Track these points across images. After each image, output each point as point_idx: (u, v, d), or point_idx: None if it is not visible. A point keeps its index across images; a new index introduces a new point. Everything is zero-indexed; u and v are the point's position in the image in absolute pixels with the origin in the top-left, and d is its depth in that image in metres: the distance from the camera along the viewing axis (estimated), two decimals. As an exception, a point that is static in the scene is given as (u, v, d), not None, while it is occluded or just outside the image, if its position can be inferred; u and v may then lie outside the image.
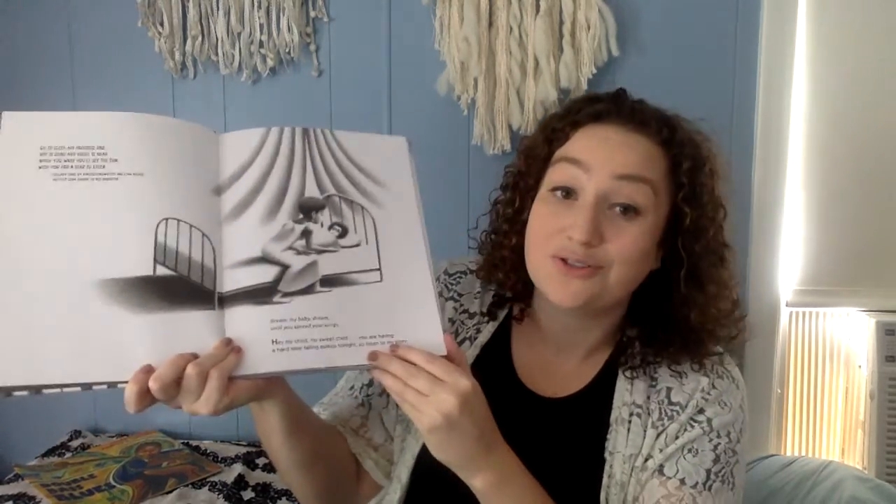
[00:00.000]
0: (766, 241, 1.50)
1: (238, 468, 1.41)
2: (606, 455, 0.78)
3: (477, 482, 0.68)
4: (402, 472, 0.83)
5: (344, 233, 0.71)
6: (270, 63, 1.54)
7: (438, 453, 0.67)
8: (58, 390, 0.57)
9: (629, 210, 0.74)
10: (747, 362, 1.51)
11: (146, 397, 0.58)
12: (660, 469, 0.76)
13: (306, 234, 0.69)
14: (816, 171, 1.52)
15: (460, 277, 0.93)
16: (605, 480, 0.77)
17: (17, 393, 0.56)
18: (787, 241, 1.51)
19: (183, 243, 0.64)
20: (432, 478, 0.75)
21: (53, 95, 1.63)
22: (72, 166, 0.64)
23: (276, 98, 1.58)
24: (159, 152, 0.67)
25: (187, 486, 1.34)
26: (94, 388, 0.58)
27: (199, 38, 1.54)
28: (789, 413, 1.57)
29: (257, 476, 1.40)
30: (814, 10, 1.48)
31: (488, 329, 0.89)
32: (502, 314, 0.90)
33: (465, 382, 0.63)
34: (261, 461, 1.46)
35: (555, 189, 0.77)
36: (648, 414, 0.79)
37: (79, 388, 0.57)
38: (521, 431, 0.76)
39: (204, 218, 0.66)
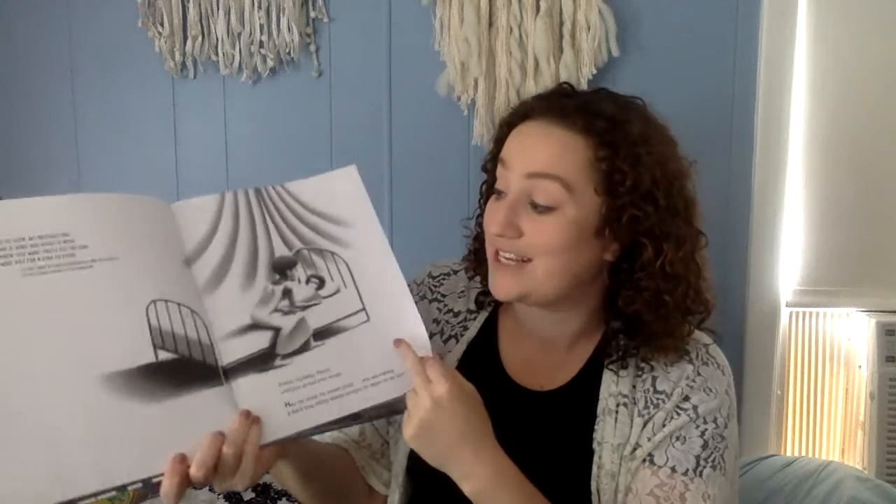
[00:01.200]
0: (766, 241, 1.50)
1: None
2: (595, 445, 0.79)
3: (466, 487, 0.70)
4: (399, 472, 0.84)
5: (321, 283, 0.71)
6: (270, 63, 1.54)
7: (424, 457, 0.70)
8: (93, 499, 0.55)
9: (540, 206, 0.76)
10: (747, 362, 1.51)
11: (185, 486, 0.58)
12: (650, 458, 0.77)
13: (287, 293, 0.70)
14: (816, 171, 1.52)
15: (444, 279, 0.95)
16: (594, 471, 0.78)
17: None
18: (787, 241, 1.51)
19: (176, 323, 0.63)
20: (428, 476, 0.76)
21: (53, 95, 1.63)
22: (38, 258, 0.60)
23: (276, 98, 1.58)
24: (126, 232, 0.65)
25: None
26: (129, 488, 0.57)
27: (200, 39, 1.54)
28: (789, 413, 1.57)
29: (257, 476, 1.40)
30: (814, 10, 1.48)
31: (475, 325, 0.90)
32: (490, 305, 0.91)
33: (441, 387, 0.66)
34: (261, 461, 1.46)
35: (492, 190, 0.82)
36: (634, 403, 0.79)
37: (114, 493, 0.56)
38: (510, 425, 0.77)
39: (185, 293, 0.65)
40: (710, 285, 0.81)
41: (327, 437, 0.89)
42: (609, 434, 0.78)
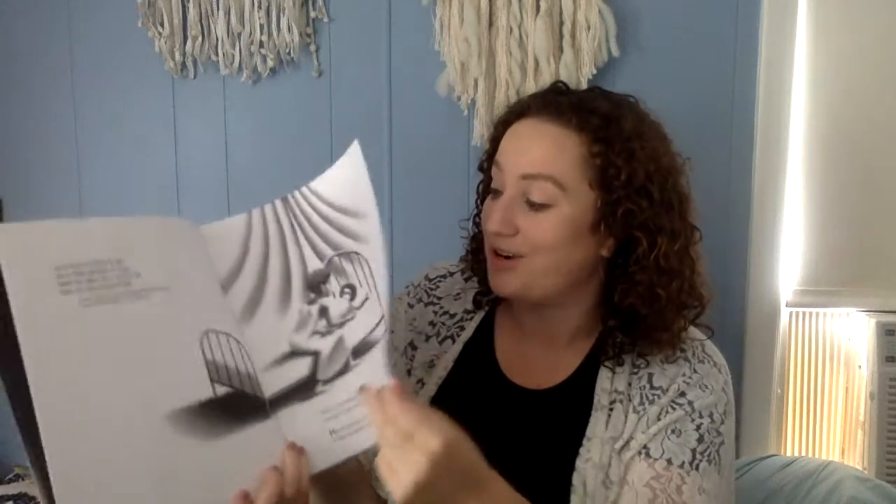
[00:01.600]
0: (766, 241, 1.50)
1: None
2: (584, 441, 0.79)
3: None
4: None
5: (353, 293, 0.68)
6: (270, 63, 1.54)
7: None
8: None
9: (536, 203, 0.77)
10: (747, 362, 1.51)
11: None
12: (646, 451, 0.77)
13: (323, 311, 0.67)
14: (816, 171, 1.52)
15: (440, 281, 0.95)
16: (579, 464, 0.77)
17: None
18: (787, 241, 1.51)
19: (227, 355, 0.61)
20: None
21: (53, 95, 1.63)
22: (96, 286, 0.55)
23: (276, 98, 1.58)
24: (172, 259, 0.62)
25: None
26: None
27: (200, 39, 1.54)
28: (789, 413, 1.57)
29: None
30: (814, 10, 1.48)
31: (471, 325, 0.90)
32: (487, 305, 0.91)
33: (434, 441, 0.59)
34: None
35: (489, 190, 0.83)
36: (630, 399, 0.80)
37: None
38: (506, 425, 0.77)
39: (228, 322, 0.63)
40: (705, 280, 0.82)
41: None
42: (600, 429, 0.78)
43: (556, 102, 0.80)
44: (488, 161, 0.86)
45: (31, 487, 1.32)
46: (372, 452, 0.89)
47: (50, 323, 0.52)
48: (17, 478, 1.36)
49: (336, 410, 0.64)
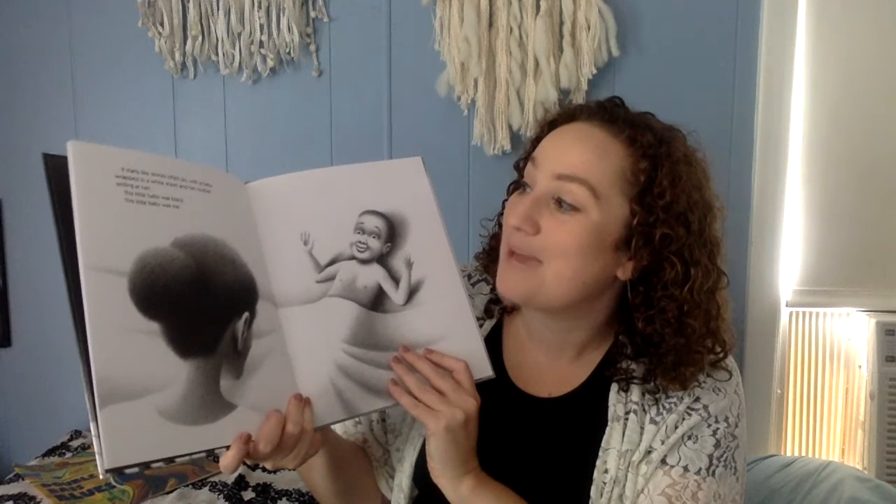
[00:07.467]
0: (766, 241, 1.50)
1: (238, 468, 1.41)
2: (600, 451, 0.78)
3: (463, 487, 0.74)
4: (403, 481, 0.84)
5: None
6: (270, 63, 1.54)
7: (440, 455, 0.72)
8: (187, 458, 0.59)
9: (566, 205, 0.74)
10: (747, 362, 1.51)
11: (243, 459, 0.62)
12: (663, 460, 0.76)
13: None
14: (816, 171, 1.52)
15: None
16: (596, 476, 0.77)
17: (154, 465, 0.58)
18: (787, 241, 1.52)
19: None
20: (432, 485, 0.76)
21: (53, 95, 1.63)
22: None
23: (276, 98, 1.58)
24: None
25: (188, 486, 1.34)
26: (216, 451, 0.61)
27: (200, 39, 1.54)
28: (789, 413, 1.57)
29: (257, 476, 1.40)
30: (814, 10, 1.48)
31: (482, 333, 0.89)
32: (498, 312, 0.90)
33: (473, 403, 0.71)
34: (261, 461, 1.46)
35: (518, 185, 0.81)
36: (645, 411, 0.78)
37: (204, 454, 0.60)
38: (515, 432, 0.76)
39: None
40: (729, 327, 0.79)
41: (342, 432, 0.91)
42: (616, 441, 0.77)
43: (611, 111, 0.79)
44: (524, 160, 0.84)
45: (31, 487, 1.31)
46: (375, 456, 0.89)
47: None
48: (17, 478, 1.36)
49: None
